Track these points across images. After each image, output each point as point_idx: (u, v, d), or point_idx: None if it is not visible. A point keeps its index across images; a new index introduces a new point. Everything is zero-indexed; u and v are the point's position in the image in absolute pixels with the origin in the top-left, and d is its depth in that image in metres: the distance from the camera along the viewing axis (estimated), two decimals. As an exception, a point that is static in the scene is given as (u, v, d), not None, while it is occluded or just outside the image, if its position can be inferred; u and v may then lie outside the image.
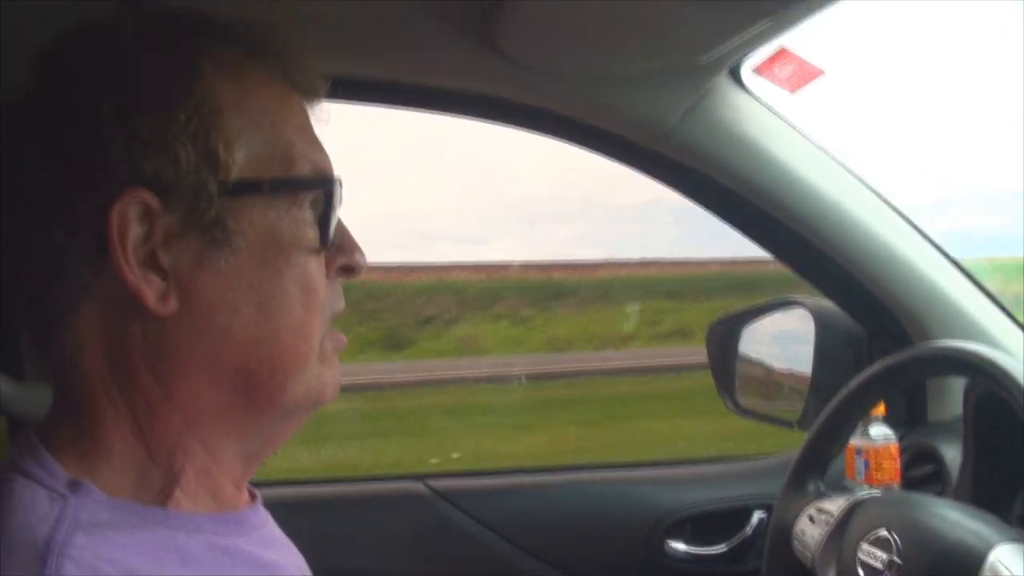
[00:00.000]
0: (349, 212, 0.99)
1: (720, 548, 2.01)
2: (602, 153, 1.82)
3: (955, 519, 1.34)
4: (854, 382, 1.54)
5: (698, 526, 2.02)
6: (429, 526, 1.97)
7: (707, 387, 2.13)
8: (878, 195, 1.82)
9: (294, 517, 1.06)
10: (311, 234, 0.93)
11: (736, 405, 2.07)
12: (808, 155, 1.78)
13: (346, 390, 1.02)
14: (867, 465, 1.63)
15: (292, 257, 0.91)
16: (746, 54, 1.57)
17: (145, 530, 0.85)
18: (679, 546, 2.00)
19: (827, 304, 1.96)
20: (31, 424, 0.93)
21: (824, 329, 1.94)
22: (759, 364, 2.10)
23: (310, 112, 0.99)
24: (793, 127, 1.76)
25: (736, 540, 2.00)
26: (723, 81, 1.66)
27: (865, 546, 1.39)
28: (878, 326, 1.91)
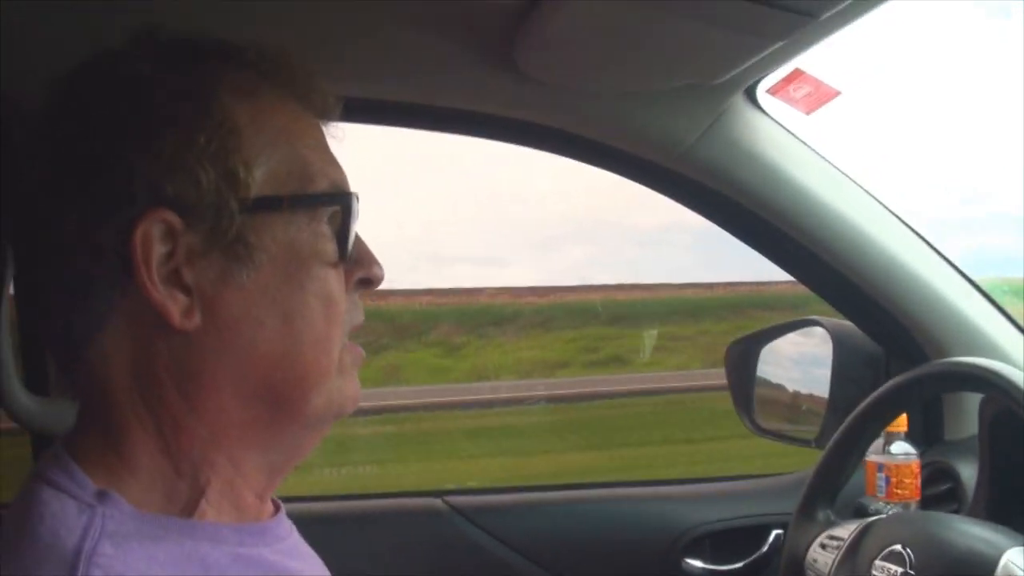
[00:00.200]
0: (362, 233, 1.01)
1: (737, 566, 2.01)
2: (620, 173, 1.83)
3: (966, 530, 1.35)
4: (864, 403, 1.55)
5: (715, 543, 2.02)
6: (447, 542, 1.98)
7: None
8: (894, 214, 1.83)
9: (313, 532, 1.06)
10: (330, 248, 0.94)
11: (755, 425, 2.08)
12: (824, 175, 1.79)
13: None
14: (888, 481, 1.63)
15: (313, 271, 0.93)
16: (762, 75, 1.59)
17: (170, 541, 0.86)
18: (696, 563, 2.00)
19: (845, 324, 1.97)
20: (58, 438, 0.95)
21: (842, 348, 1.94)
22: (777, 384, 2.10)
23: (325, 131, 1.01)
24: (809, 147, 1.77)
25: (753, 558, 2.00)
26: (739, 101, 1.67)
27: (879, 562, 1.39)
28: (896, 345, 1.91)
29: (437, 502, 2.01)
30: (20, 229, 0.97)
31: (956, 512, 1.65)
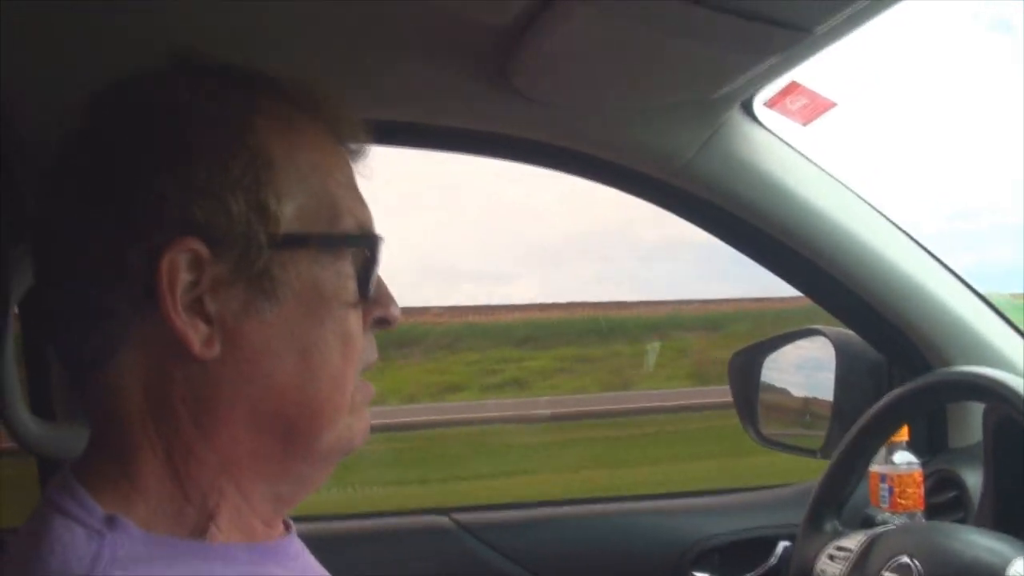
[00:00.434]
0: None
1: (746, 578, 2.01)
2: (619, 187, 1.84)
3: (973, 540, 1.36)
4: (868, 413, 1.55)
5: (724, 556, 2.02)
6: (454, 560, 1.98)
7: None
8: (892, 223, 1.84)
9: (320, 552, 1.06)
10: (351, 287, 0.95)
11: (759, 435, 2.08)
12: (822, 185, 1.79)
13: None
14: (891, 491, 1.63)
15: (334, 309, 0.93)
16: (758, 88, 1.60)
17: (181, 563, 0.87)
18: (705, 576, 2.00)
19: (848, 333, 1.97)
20: (67, 463, 0.95)
21: (845, 358, 1.95)
22: (781, 394, 2.11)
23: (353, 166, 1.02)
24: (807, 158, 1.78)
25: (761, 570, 1.99)
26: (736, 115, 1.68)
27: (886, 573, 1.39)
28: (898, 354, 1.91)
29: (443, 519, 2.01)
30: (41, 245, 0.95)
31: (962, 520, 1.65)
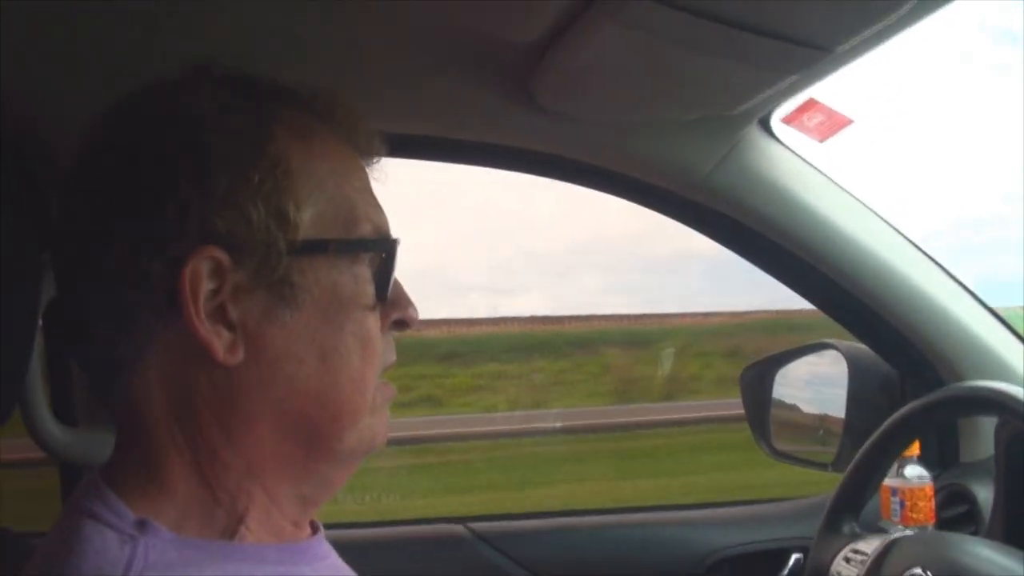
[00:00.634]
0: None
1: (757, 590, 2.02)
2: (638, 202, 1.85)
3: (987, 556, 1.36)
4: (884, 425, 1.56)
5: (736, 568, 2.02)
6: (470, 569, 1.99)
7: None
8: (907, 238, 1.85)
9: None
10: (369, 291, 0.96)
11: (772, 449, 2.08)
12: (839, 201, 1.81)
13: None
14: (902, 505, 1.63)
15: (352, 313, 0.95)
16: (776, 105, 1.61)
17: (213, 565, 0.88)
18: (718, 587, 2.01)
19: (860, 347, 1.97)
20: (96, 468, 0.96)
21: (857, 372, 1.95)
22: (793, 408, 2.11)
23: (369, 173, 1.03)
24: (823, 173, 1.79)
25: (775, 581, 2.01)
26: (754, 131, 1.70)
27: (900, 582, 1.40)
28: (911, 368, 1.92)
29: (459, 528, 2.02)
30: (64, 255, 0.97)
31: (974, 534, 1.66)
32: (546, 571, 1.99)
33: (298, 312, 0.92)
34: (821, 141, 1.67)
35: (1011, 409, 1.39)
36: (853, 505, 1.60)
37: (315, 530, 1.04)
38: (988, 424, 1.75)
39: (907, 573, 1.39)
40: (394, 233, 1.02)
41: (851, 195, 1.81)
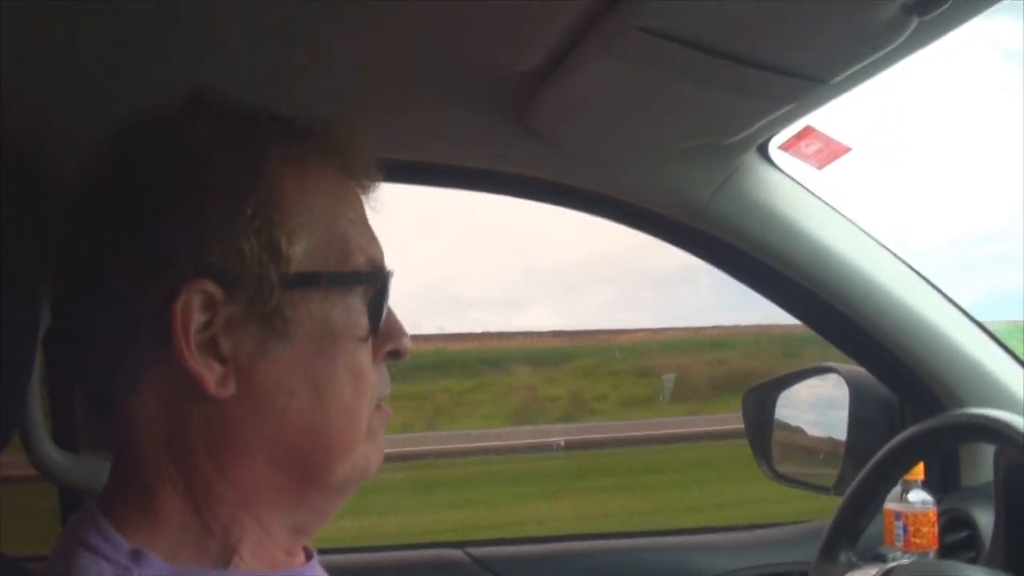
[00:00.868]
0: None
1: (756, 615, 2.01)
2: (637, 228, 1.86)
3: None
4: (880, 453, 1.56)
5: (736, 592, 2.02)
6: None
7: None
8: (906, 263, 1.85)
9: None
10: (362, 322, 0.96)
11: (773, 472, 2.08)
12: (838, 227, 1.81)
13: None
14: (906, 530, 1.63)
15: (345, 345, 0.95)
16: (773, 133, 1.62)
17: None
18: (717, 612, 2.00)
19: (861, 371, 1.97)
20: (91, 497, 0.97)
21: (858, 395, 1.95)
22: (795, 430, 2.11)
23: (365, 201, 1.03)
24: (821, 199, 1.80)
25: (773, 606, 2.00)
26: (752, 158, 1.70)
27: (898, 611, 1.40)
28: (911, 393, 1.92)
29: (458, 553, 2.02)
30: (62, 283, 0.97)
31: (974, 560, 1.66)
32: None
33: (290, 345, 0.92)
34: (819, 168, 1.67)
35: (1008, 438, 1.39)
36: (850, 533, 1.60)
37: (309, 556, 1.04)
38: (989, 448, 1.74)
39: None
40: (389, 265, 1.02)
41: (850, 221, 1.82)
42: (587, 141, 1.58)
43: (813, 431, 2.09)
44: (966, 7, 1.16)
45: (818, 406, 2.08)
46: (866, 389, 1.96)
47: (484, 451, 6.99)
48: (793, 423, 2.10)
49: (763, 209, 1.75)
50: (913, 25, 1.09)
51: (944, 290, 1.87)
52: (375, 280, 0.98)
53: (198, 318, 0.89)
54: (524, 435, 7.11)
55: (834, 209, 1.80)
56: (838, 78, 1.25)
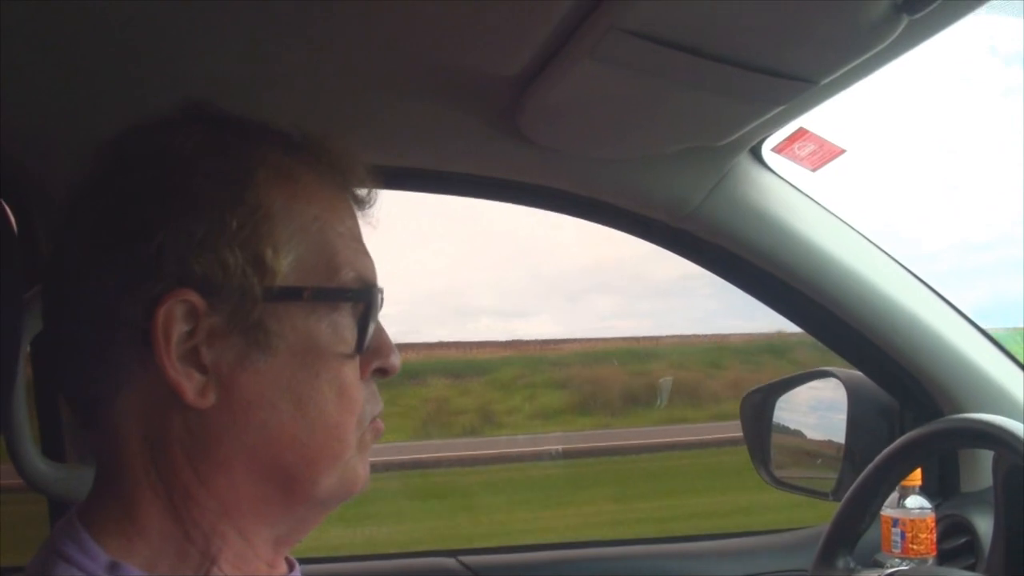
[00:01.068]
0: (389, 290, 1.02)
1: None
2: (629, 232, 1.85)
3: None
4: (877, 459, 1.55)
5: (734, 599, 2.01)
6: None
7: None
8: (903, 266, 1.84)
9: None
10: (349, 339, 0.95)
11: (771, 476, 2.07)
12: (831, 228, 1.80)
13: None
14: (903, 537, 1.62)
15: (328, 361, 0.93)
16: (766, 135, 1.60)
17: None
18: (715, 619, 1.99)
19: (859, 375, 1.97)
20: (73, 506, 0.96)
21: (857, 400, 1.95)
22: (793, 435, 2.10)
23: (359, 216, 1.02)
24: (815, 201, 1.78)
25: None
26: (744, 160, 1.69)
27: (895, 618, 1.38)
28: (909, 397, 1.91)
29: (451, 561, 2.01)
30: (49, 291, 0.97)
31: (973, 567, 1.64)
32: None
33: (272, 358, 0.91)
34: (813, 170, 1.65)
35: (1006, 443, 1.38)
36: (848, 538, 1.59)
37: (291, 567, 1.03)
38: (988, 453, 1.73)
39: None
40: (379, 282, 1.01)
41: (845, 223, 1.80)
42: (576, 145, 1.56)
43: (812, 435, 2.08)
44: (956, 6, 1.14)
45: (816, 410, 2.07)
46: (865, 394, 1.96)
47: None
48: (792, 427, 2.09)
49: (756, 212, 1.74)
50: (903, 24, 1.08)
51: (942, 293, 1.85)
52: (362, 297, 0.97)
53: (180, 327, 0.88)
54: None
55: (829, 211, 1.79)
56: (829, 79, 1.23)
